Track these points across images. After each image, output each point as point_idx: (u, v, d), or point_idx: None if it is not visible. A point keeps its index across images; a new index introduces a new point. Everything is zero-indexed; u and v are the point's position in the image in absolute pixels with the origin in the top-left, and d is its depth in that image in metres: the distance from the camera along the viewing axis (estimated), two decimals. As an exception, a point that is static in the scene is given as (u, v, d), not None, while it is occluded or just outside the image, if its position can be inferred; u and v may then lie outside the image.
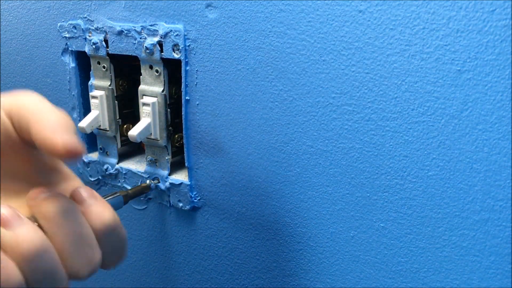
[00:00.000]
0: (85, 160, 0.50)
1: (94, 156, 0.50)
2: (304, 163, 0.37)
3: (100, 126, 0.46)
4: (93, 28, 0.44)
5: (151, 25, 0.40)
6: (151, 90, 0.42)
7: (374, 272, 0.37)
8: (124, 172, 0.47)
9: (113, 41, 0.43)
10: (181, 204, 0.45)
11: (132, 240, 0.51)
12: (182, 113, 0.42)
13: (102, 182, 0.50)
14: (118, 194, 0.35)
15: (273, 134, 0.38)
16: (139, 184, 0.46)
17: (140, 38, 0.41)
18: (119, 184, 0.48)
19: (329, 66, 0.34)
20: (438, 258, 0.34)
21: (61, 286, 0.24)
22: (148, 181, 0.45)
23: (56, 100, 0.51)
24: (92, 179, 0.50)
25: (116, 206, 0.35)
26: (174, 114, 0.44)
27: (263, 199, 0.40)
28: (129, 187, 0.47)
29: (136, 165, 0.48)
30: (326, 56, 0.34)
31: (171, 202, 0.45)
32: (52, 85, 0.51)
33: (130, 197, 0.37)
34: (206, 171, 0.43)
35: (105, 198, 0.34)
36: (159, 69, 0.41)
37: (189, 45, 0.39)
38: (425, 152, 0.32)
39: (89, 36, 0.45)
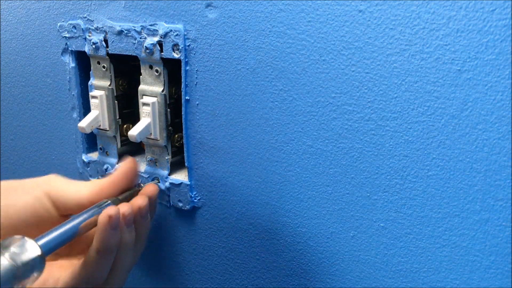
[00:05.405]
0: (85, 160, 0.50)
1: (94, 156, 0.50)
2: (304, 163, 0.37)
3: (100, 126, 0.46)
4: (93, 28, 0.44)
5: (151, 25, 0.40)
6: (151, 90, 0.42)
7: (374, 272, 0.37)
8: (124, 172, 0.47)
9: (113, 41, 0.43)
10: (181, 204, 0.45)
11: (132, 240, 0.51)
12: (182, 113, 0.42)
13: (102, 182, 0.50)
14: (108, 202, 0.35)
15: (273, 134, 0.38)
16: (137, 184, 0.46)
17: (140, 38, 0.41)
18: (119, 184, 0.48)
19: (329, 66, 0.34)
20: (438, 258, 0.34)
21: None
22: (141, 184, 0.45)
23: (56, 100, 0.51)
24: (92, 179, 0.50)
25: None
26: (174, 114, 0.44)
27: (263, 199, 0.40)
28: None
29: (136, 165, 0.48)
30: (326, 56, 0.34)
31: (171, 202, 0.45)
32: (52, 85, 0.51)
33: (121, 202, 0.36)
34: (206, 171, 0.43)
35: (92, 209, 0.34)
36: (159, 69, 0.41)
37: (189, 45, 0.39)
38: (425, 152, 0.32)
39: (89, 36, 0.45)
